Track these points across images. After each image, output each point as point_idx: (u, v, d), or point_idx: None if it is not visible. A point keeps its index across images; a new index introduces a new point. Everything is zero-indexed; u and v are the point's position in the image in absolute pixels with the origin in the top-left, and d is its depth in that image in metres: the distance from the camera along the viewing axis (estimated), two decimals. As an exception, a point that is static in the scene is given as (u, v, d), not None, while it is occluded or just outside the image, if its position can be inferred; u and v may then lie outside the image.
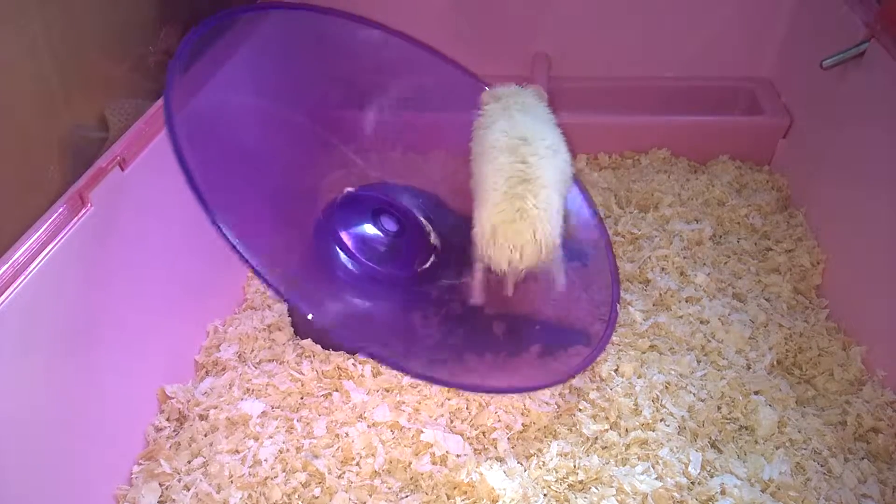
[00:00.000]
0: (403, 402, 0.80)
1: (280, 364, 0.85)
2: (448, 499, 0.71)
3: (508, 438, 0.77)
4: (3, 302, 0.59)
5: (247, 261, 0.69)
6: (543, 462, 0.75)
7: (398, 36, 0.98)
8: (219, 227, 0.67)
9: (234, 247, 0.68)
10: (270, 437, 0.76)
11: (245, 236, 0.69)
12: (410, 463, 0.74)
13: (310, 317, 0.72)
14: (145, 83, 0.90)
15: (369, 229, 0.90)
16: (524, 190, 0.74)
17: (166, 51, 0.92)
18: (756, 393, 0.81)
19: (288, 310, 0.93)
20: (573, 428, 0.78)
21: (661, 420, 0.78)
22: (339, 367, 0.84)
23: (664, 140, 1.21)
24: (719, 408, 0.80)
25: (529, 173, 0.75)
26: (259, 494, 0.71)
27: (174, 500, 0.71)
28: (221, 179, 0.73)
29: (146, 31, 0.91)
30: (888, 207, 0.86)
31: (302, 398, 0.82)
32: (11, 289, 0.60)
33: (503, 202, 0.74)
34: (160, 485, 0.73)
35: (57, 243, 0.65)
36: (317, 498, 0.71)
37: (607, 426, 0.78)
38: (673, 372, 0.83)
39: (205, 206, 0.67)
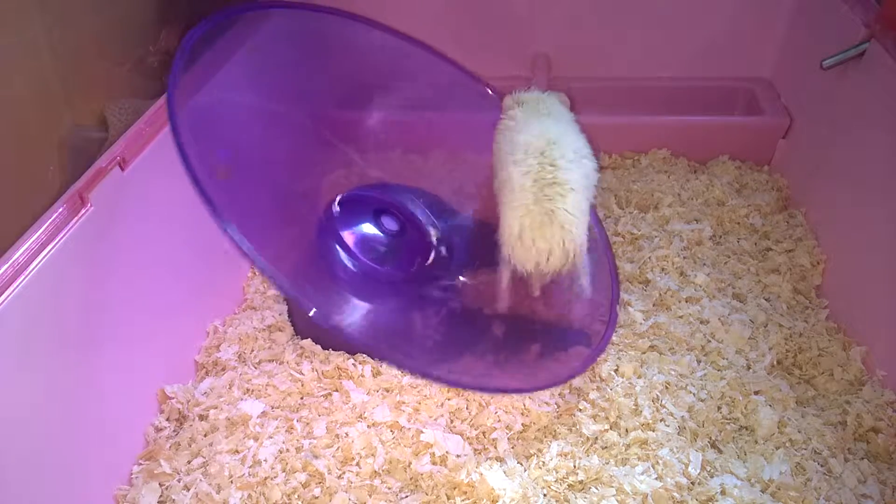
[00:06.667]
0: (403, 402, 0.80)
1: (280, 364, 0.85)
2: (448, 499, 0.71)
3: (508, 438, 0.77)
4: (3, 302, 0.59)
5: (251, 259, 0.69)
6: (543, 462, 0.75)
7: (398, 36, 0.98)
8: (224, 228, 0.67)
9: (241, 249, 0.68)
10: (270, 438, 0.76)
11: (248, 235, 0.69)
12: (410, 463, 0.74)
13: (312, 313, 0.72)
14: (145, 83, 0.90)
15: (369, 229, 0.90)
16: (554, 193, 0.74)
17: (166, 51, 0.92)
18: (756, 393, 0.80)
19: (288, 310, 0.93)
20: (573, 428, 0.78)
21: (661, 420, 0.78)
22: (338, 368, 0.84)
23: (664, 140, 1.21)
24: (719, 408, 0.80)
25: (559, 176, 0.75)
26: (259, 494, 0.71)
27: (174, 500, 0.71)
28: (223, 178, 0.73)
29: (146, 32, 0.91)
30: (888, 208, 0.86)
31: (302, 398, 0.82)
32: (11, 289, 0.60)
33: (533, 204, 0.73)
34: (160, 485, 0.73)
35: (57, 243, 0.65)
36: (317, 498, 0.71)
37: (607, 426, 0.78)
38: (673, 372, 0.83)
39: (211, 207, 0.67)
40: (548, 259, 0.74)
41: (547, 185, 0.74)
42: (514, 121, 0.83)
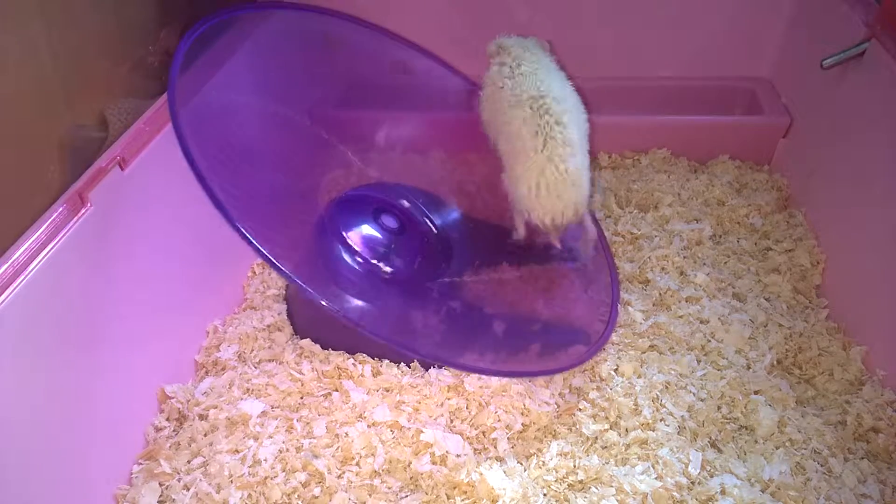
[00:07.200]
0: (403, 402, 0.80)
1: (280, 364, 0.85)
2: (448, 498, 0.71)
3: (508, 438, 0.77)
4: (3, 302, 0.59)
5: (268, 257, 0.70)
6: (543, 462, 0.75)
7: (397, 39, 0.99)
8: (238, 228, 0.68)
9: (258, 249, 0.69)
10: (270, 437, 0.76)
11: (250, 234, 0.70)
12: (410, 463, 0.74)
13: (324, 303, 0.74)
14: (145, 83, 0.90)
15: (369, 229, 0.90)
16: (566, 154, 0.80)
17: (166, 51, 0.92)
18: (756, 393, 0.80)
19: (287, 310, 0.93)
20: (573, 428, 0.78)
21: (660, 420, 0.78)
22: (338, 367, 0.84)
23: (664, 140, 1.21)
24: (719, 408, 0.80)
25: (567, 135, 0.81)
26: (259, 494, 0.71)
27: (174, 499, 0.71)
28: (223, 178, 0.73)
29: (146, 32, 0.91)
30: (888, 207, 0.86)
31: (302, 398, 0.82)
32: (11, 288, 0.60)
33: (548, 165, 0.80)
34: (160, 485, 0.73)
35: (57, 243, 0.65)
36: (317, 498, 0.71)
37: (607, 426, 0.78)
38: (673, 372, 0.83)
39: (220, 208, 0.68)
40: (563, 214, 0.81)
41: (558, 146, 0.80)
42: (507, 68, 0.88)
